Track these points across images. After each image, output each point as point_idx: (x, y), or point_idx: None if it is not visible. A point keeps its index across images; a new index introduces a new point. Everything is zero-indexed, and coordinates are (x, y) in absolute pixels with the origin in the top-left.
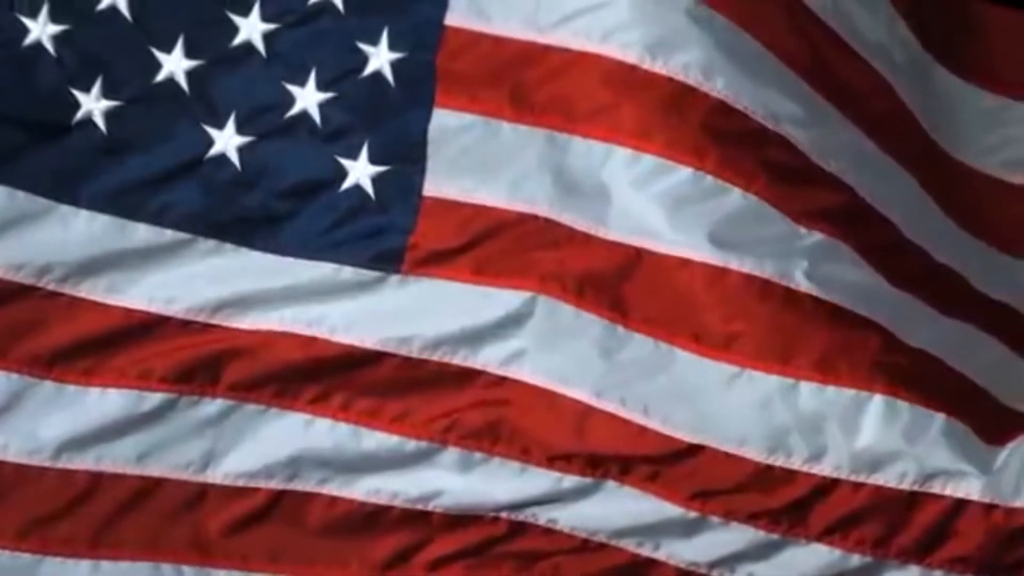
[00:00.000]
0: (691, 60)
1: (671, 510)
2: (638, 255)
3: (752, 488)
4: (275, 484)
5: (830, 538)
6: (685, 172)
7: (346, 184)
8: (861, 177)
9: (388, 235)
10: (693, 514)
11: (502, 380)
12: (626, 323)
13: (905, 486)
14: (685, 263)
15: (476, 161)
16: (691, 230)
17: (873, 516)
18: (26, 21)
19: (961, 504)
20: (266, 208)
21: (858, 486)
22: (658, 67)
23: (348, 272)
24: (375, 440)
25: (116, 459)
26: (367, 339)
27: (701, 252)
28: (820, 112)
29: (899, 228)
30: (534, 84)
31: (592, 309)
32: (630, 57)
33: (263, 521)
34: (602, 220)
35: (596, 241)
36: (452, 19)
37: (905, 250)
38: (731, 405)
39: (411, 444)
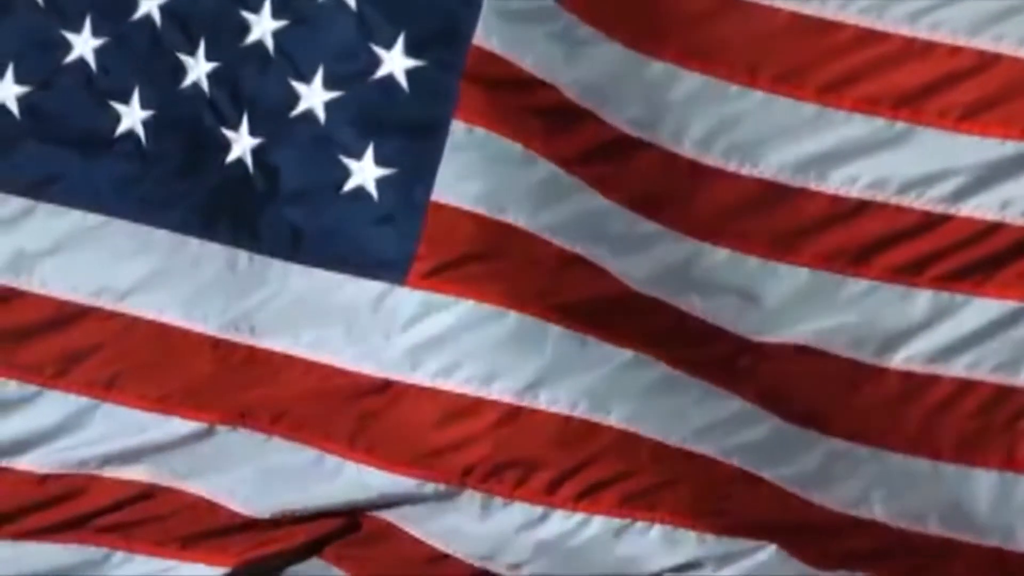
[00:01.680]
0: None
1: (704, 544)
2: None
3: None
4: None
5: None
6: None
7: (349, 185)
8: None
9: (392, 241)
10: (722, 549)
11: (517, 410)
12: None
13: None
14: None
15: (488, 175)
16: None
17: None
18: (70, 37)
19: None
20: (278, 212)
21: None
22: None
23: (355, 284)
24: (393, 481)
25: (163, 472)
26: (376, 368)
27: None
28: None
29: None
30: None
31: (605, 337)
32: None
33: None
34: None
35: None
36: (480, 39)
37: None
38: None
39: (429, 487)
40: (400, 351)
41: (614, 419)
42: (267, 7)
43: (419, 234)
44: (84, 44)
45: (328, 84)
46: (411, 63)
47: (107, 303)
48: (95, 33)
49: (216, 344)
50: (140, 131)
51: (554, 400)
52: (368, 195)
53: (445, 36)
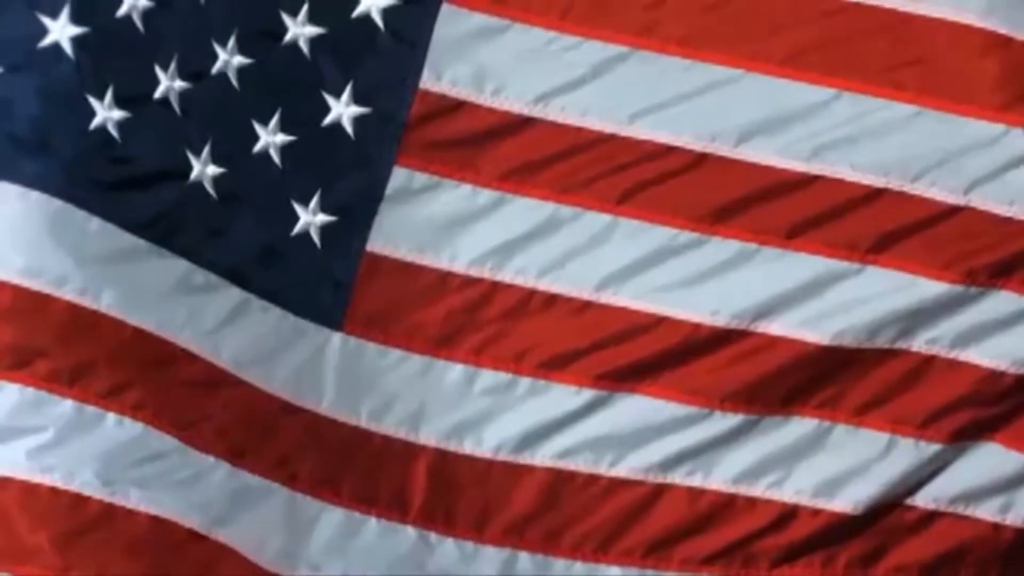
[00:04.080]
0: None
1: None
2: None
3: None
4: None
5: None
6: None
7: (296, 229)
8: None
9: (330, 287)
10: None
11: (445, 454)
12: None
13: None
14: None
15: (432, 224)
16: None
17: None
18: (46, 21)
19: None
20: (235, 241)
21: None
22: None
23: (294, 322)
24: (335, 517)
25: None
26: (321, 403)
27: None
28: None
29: None
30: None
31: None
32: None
33: None
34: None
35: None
36: (426, 83)
37: None
38: None
39: (372, 521)
40: None
41: None
42: (233, 40)
43: (353, 281)
44: (61, 30)
45: (284, 127)
46: (357, 110)
47: (71, 295)
48: (74, 21)
49: (189, 356)
50: (114, 130)
51: None
52: (312, 242)
53: (393, 81)
